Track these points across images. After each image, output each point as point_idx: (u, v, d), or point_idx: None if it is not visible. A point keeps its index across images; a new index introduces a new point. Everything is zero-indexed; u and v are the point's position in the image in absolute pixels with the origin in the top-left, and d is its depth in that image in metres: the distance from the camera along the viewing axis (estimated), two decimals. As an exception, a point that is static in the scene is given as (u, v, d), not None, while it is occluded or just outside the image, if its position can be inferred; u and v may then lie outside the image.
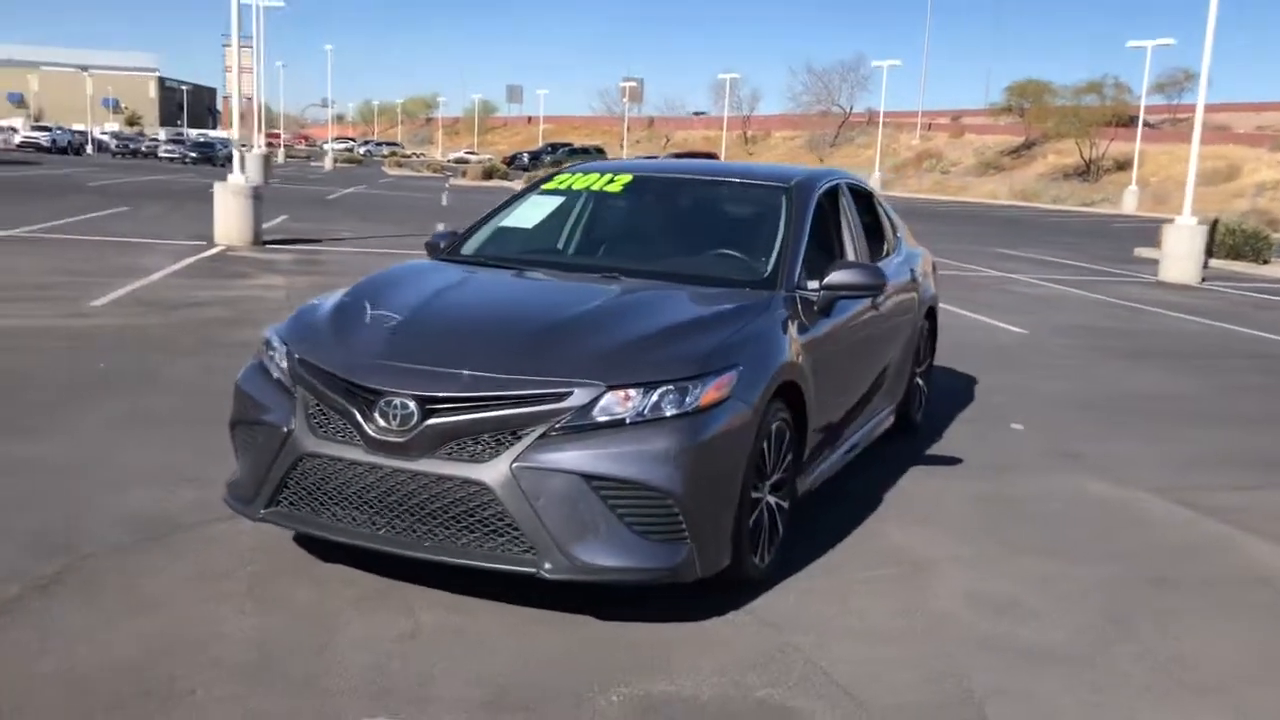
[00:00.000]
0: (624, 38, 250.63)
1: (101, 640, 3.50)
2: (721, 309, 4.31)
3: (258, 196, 16.12)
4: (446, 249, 5.33)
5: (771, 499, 4.28)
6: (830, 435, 5.02)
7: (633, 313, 4.20)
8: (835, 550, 4.70)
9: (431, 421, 3.62)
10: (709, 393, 3.76)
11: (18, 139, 61.30)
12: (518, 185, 43.61)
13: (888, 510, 5.27)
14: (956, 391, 8.15)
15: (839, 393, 5.05)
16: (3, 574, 3.96)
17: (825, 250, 5.33)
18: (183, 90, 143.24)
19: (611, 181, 5.56)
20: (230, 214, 15.87)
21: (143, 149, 63.43)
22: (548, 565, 3.56)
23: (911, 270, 6.48)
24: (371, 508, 3.71)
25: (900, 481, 5.74)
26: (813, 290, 4.77)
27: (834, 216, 5.65)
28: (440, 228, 5.99)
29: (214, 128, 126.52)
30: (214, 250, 15.18)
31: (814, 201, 5.27)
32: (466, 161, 68.60)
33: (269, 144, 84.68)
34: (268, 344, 4.23)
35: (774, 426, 4.16)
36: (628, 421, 3.63)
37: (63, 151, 60.62)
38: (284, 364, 4.05)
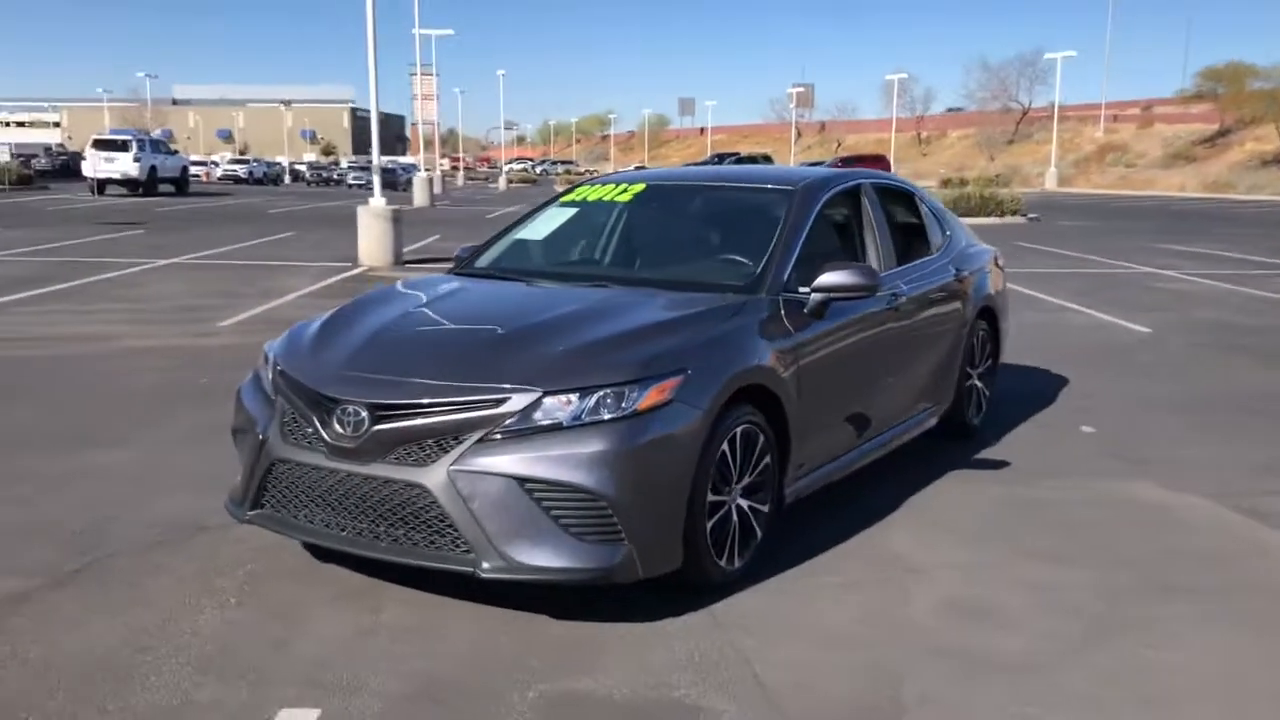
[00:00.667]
0: (795, 45, 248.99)
1: (87, 630, 3.82)
2: (683, 314, 4.36)
3: (397, 219, 16.85)
4: (464, 262, 5.55)
5: (744, 502, 4.29)
6: (832, 439, 4.97)
7: (591, 320, 4.30)
8: (829, 553, 4.67)
9: (379, 427, 3.81)
10: (648, 397, 3.82)
11: (219, 172, 65.61)
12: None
13: (904, 514, 5.19)
14: (1040, 394, 7.87)
15: (844, 396, 5.01)
16: (29, 568, 4.36)
17: (836, 253, 5.29)
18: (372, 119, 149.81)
19: (624, 191, 5.67)
20: (372, 236, 16.66)
21: (334, 177, 66.85)
22: (485, 565, 3.70)
23: (957, 270, 6.32)
24: (335, 510, 3.93)
25: (931, 485, 5.62)
26: (804, 293, 4.74)
27: (851, 219, 5.60)
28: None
29: (403, 154, 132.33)
30: (354, 271, 15.97)
31: (818, 205, 5.25)
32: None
33: (452, 167, 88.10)
34: (265, 357, 4.52)
35: (740, 430, 4.18)
36: (564, 425, 3.73)
37: (259, 182, 64.50)
38: (269, 375, 4.33)
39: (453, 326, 4.43)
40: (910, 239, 6.22)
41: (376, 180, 17.72)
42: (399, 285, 5.24)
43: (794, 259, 4.89)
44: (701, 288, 4.76)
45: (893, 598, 4.21)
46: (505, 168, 75.34)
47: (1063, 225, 28.57)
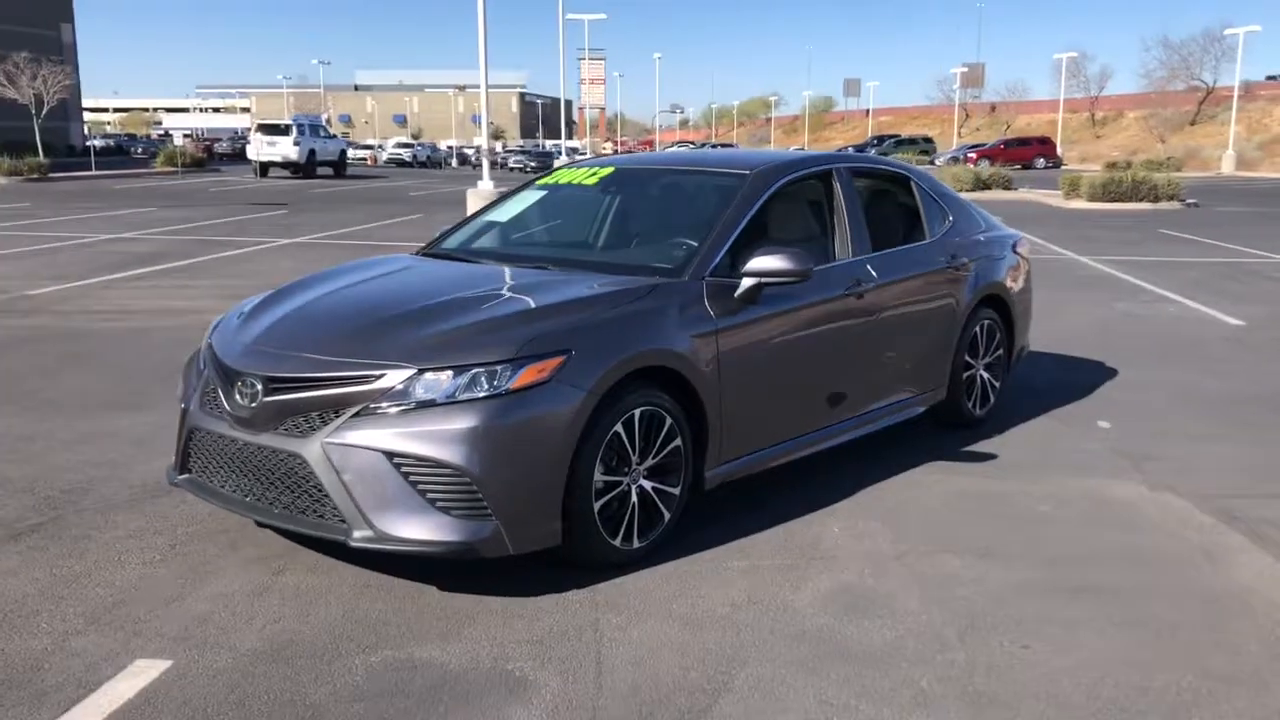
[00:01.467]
0: (965, 23, 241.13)
1: (12, 578, 4.15)
2: (585, 296, 4.41)
3: (503, 200, 17.21)
4: (433, 242, 5.72)
5: (647, 484, 4.33)
6: (772, 425, 4.94)
7: (495, 300, 4.40)
8: (753, 537, 4.65)
9: (268, 399, 4.01)
10: (523, 376, 3.90)
11: (385, 156, 68.03)
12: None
13: (852, 503, 5.12)
14: (1074, 386, 7.57)
15: (786, 382, 4.96)
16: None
17: (794, 238, 5.25)
18: (539, 104, 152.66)
19: (593, 175, 5.74)
20: (480, 217, 17.08)
21: (497, 161, 68.40)
22: (355, 534, 3.86)
23: (953, 258, 6.15)
24: (239, 477, 4.16)
25: (901, 475, 5.52)
26: (734, 278, 4.73)
27: (818, 204, 5.53)
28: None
29: (570, 138, 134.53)
30: (458, 251, 16.40)
31: (767, 191, 5.21)
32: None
33: (614, 150, 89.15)
34: (209, 331, 4.79)
35: (639, 412, 4.22)
36: (438, 402, 3.85)
37: (423, 165, 66.59)
38: (204, 348, 4.60)
39: (364, 305, 4.58)
40: (896, 224, 6.09)
41: (485, 164, 18.19)
42: (349, 263, 5.44)
43: (729, 244, 4.86)
44: (632, 270, 4.80)
45: (785, 584, 4.18)
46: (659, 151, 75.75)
47: (1220, 211, 26.98)
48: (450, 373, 3.89)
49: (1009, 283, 6.64)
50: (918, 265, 5.93)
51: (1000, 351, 6.62)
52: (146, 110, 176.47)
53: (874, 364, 5.54)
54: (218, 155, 57.31)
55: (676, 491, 4.47)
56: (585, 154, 43.51)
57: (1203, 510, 5.08)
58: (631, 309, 4.38)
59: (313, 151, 40.47)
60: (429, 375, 3.89)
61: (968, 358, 6.30)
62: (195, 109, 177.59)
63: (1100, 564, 4.43)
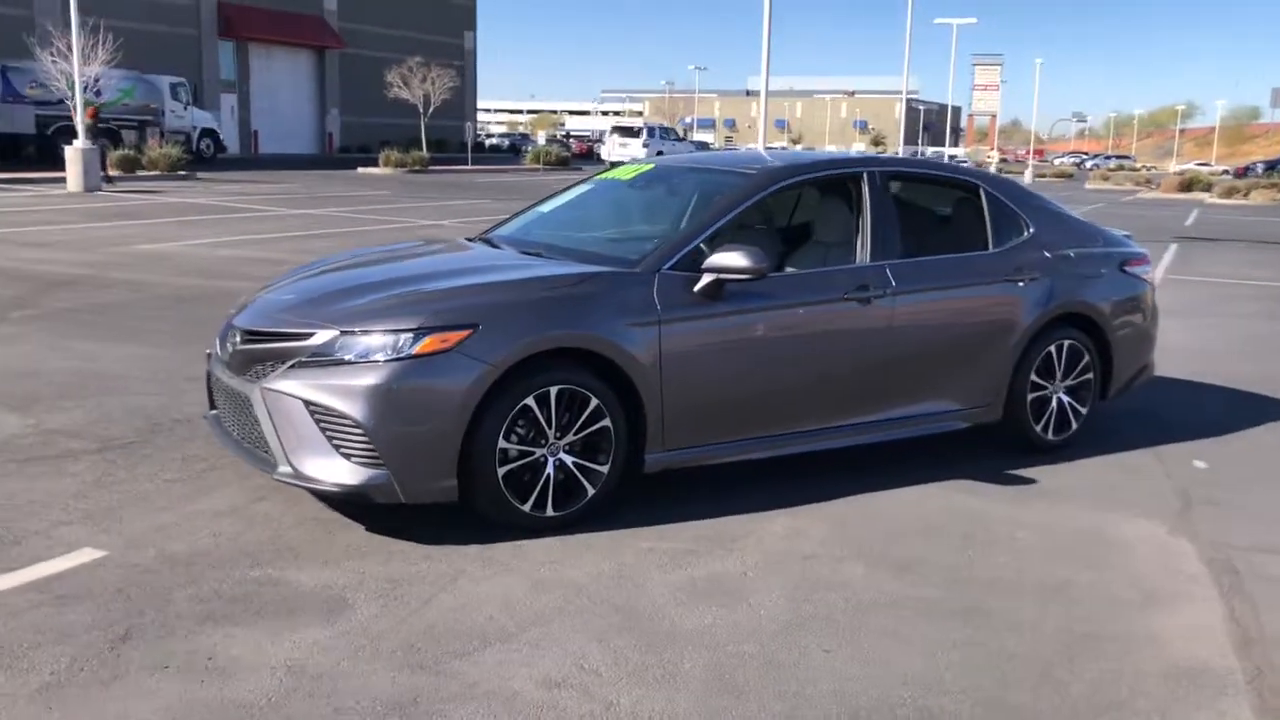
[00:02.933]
0: None
1: (67, 479, 5.12)
2: (519, 278, 4.79)
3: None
4: (486, 229, 6.25)
5: (568, 459, 4.63)
6: (734, 420, 5.05)
7: (438, 278, 4.88)
8: (685, 524, 4.80)
9: (241, 348, 4.71)
10: (425, 344, 4.34)
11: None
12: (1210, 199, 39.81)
13: (818, 506, 5.11)
14: (1215, 423, 6.92)
15: (748, 379, 5.05)
16: (107, 436, 5.79)
17: (799, 238, 5.36)
18: (922, 110, 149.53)
19: (632, 171, 6.04)
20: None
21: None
22: (279, 469, 4.47)
23: (1017, 270, 5.88)
24: (231, 414, 4.90)
25: (899, 489, 5.41)
26: (694, 274, 4.90)
27: (837, 207, 5.55)
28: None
29: (956, 145, 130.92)
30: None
31: (761, 191, 5.33)
32: (1181, 174, 63.55)
33: (1002, 159, 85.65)
34: (259, 292, 5.59)
35: (556, 390, 4.54)
36: (352, 360, 4.38)
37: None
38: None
39: (344, 279, 5.14)
40: (949, 232, 5.93)
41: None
42: (389, 245, 6.07)
43: (699, 240, 5.03)
44: (600, 260, 5.10)
45: (663, 567, 4.34)
46: (1031, 163, 72.23)
47: None
48: (365, 336, 4.40)
49: (1102, 303, 6.21)
50: (962, 275, 5.75)
51: (1088, 375, 6.21)
52: (554, 113, 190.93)
53: (885, 372, 5.45)
54: (595, 156, 60.69)
55: (603, 470, 4.72)
56: (965, 163, 42.31)
57: (1202, 559, 4.65)
58: (562, 294, 4.69)
59: (660, 153, 42.43)
60: (348, 337, 4.42)
61: (1036, 378, 5.99)
62: (596, 112, 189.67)
63: (1013, 593, 4.23)
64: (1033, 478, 5.69)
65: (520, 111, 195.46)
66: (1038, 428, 6.06)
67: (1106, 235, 6.53)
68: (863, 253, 5.49)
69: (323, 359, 4.41)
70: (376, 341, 4.38)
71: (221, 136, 40.16)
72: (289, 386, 4.42)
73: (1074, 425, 6.21)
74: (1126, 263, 6.43)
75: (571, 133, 76.22)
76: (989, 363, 5.80)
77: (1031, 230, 6.10)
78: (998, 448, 6.09)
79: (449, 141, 48.77)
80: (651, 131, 42.38)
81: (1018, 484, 5.58)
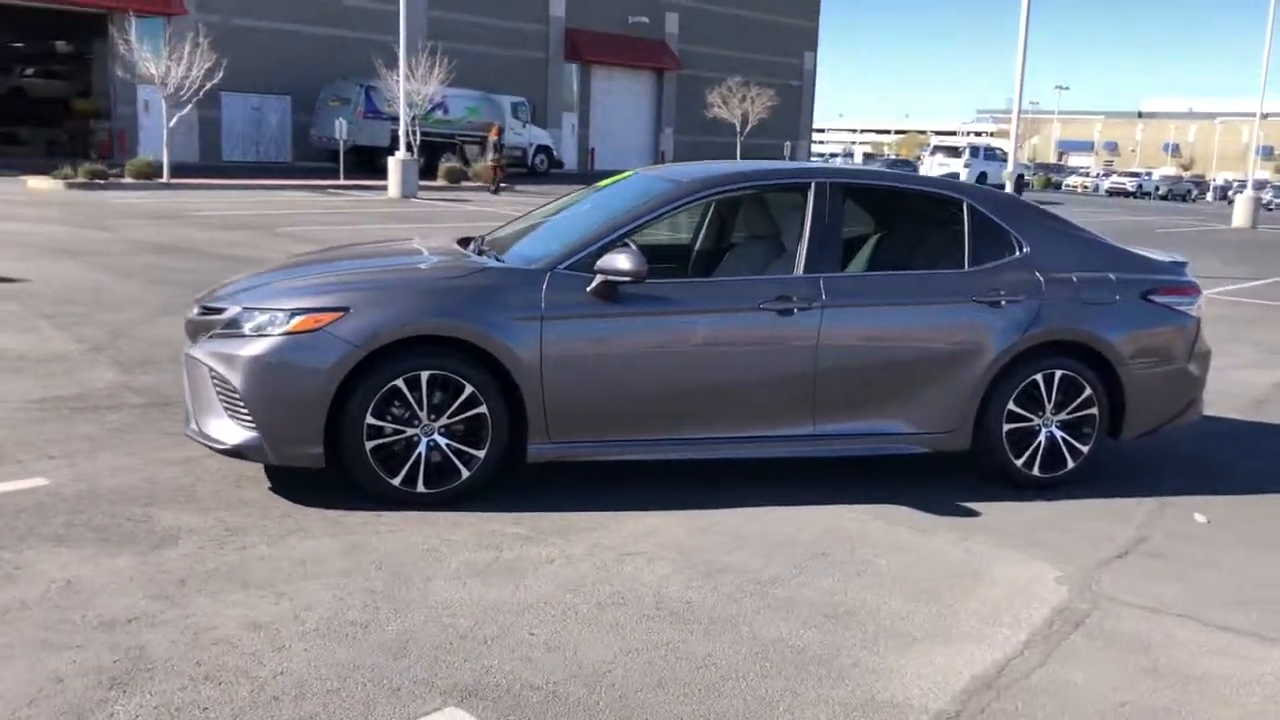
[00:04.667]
0: None
1: (92, 425, 6.08)
2: (407, 270, 5.22)
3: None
4: (487, 233, 6.65)
5: (442, 440, 4.99)
6: (619, 418, 5.18)
7: (348, 268, 5.35)
8: (559, 514, 5.00)
9: (191, 318, 5.40)
10: (298, 323, 4.85)
11: (1107, 184, 65.27)
12: None
13: (706, 513, 5.14)
14: (1256, 472, 6.14)
15: (642, 381, 5.16)
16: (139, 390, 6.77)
17: (701, 247, 5.40)
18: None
19: (616, 179, 6.25)
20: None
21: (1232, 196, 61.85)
22: (188, 427, 5.14)
23: (993, 292, 5.55)
24: None
25: (810, 505, 5.30)
26: (585, 273, 5.10)
27: (767, 217, 5.54)
28: None
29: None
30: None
31: (682, 200, 5.43)
32: None
33: None
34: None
35: (426, 374, 4.91)
36: (245, 334, 4.96)
37: (1144, 196, 62.65)
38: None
39: (303, 267, 5.70)
40: (915, 248, 5.70)
41: (1009, 187, 17.62)
42: (388, 240, 6.61)
43: (601, 243, 5.20)
44: (523, 259, 5.39)
45: (478, 546, 4.59)
46: None
47: None
48: (257, 313, 4.96)
49: (1108, 333, 5.70)
50: (914, 293, 5.52)
51: (1089, 411, 5.73)
52: (922, 133, 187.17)
53: (814, 386, 5.35)
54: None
55: (480, 454, 5.02)
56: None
57: (1055, 608, 4.30)
58: (447, 286, 5.04)
59: (983, 175, 40.81)
60: (246, 313, 5.00)
61: (1016, 408, 5.62)
62: (963, 132, 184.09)
63: (785, 609, 4.15)
64: (979, 511, 5.37)
65: (887, 131, 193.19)
66: (1018, 461, 5.67)
67: (1133, 261, 5.96)
68: (798, 264, 5.42)
69: (228, 332, 5.01)
70: (262, 319, 4.92)
71: (556, 153, 42.94)
72: (199, 353, 5.05)
73: (1070, 463, 5.75)
74: (1152, 291, 5.85)
75: (886, 152, 74.34)
76: (949, 386, 5.52)
77: (1025, 250, 5.72)
78: (980, 480, 5.76)
79: (764, 159, 49.46)
80: (975, 151, 40.87)
81: (953, 515, 5.30)
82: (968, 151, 40.69)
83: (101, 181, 24.66)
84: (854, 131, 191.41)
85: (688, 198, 5.47)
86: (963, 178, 40.20)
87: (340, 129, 30.27)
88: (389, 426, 4.91)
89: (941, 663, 3.77)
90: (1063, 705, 3.52)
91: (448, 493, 5.00)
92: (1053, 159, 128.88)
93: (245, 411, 4.86)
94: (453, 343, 4.94)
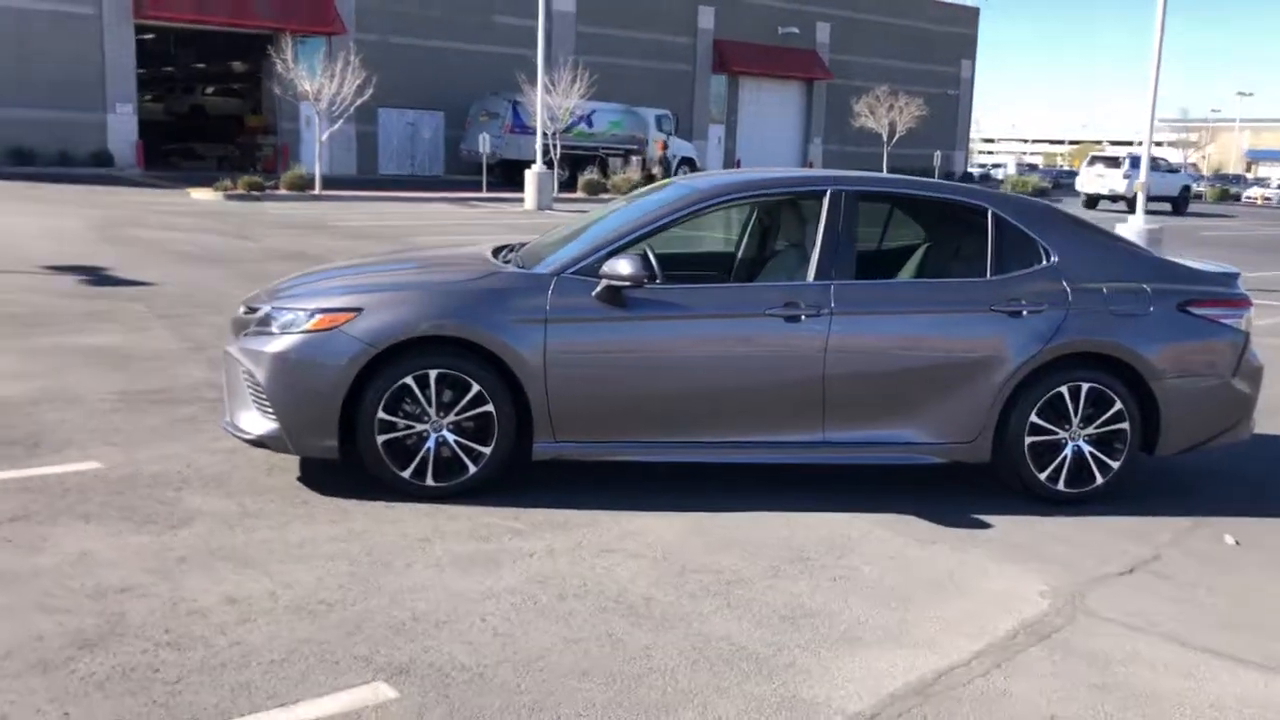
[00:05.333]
0: None
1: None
2: (421, 275, 5.44)
3: (1153, 239, 16.05)
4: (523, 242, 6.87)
5: (450, 437, 5.23)
6: (622, 420, 5.30)
7: (374, 273, 5.62)
8: (542, 510, 5.15)
9: (236, 317, 5.79)
10: (316, 322, 5.16)
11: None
12: None
13: (695, 516, 5.22)
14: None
15: (645, 383, 5.27)
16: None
17: (714, 253, 5.49)
18: None
19: (645, 191, 6.38)
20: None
21: None
22: (225, 419, 5.51)
23: (1010, 302, 5.46)
24: None
25: (812, 512, 5.32)
26: (592, 278, 5.27)
27: (779, 225, 5.59)
28: None
29: None
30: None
31: (692, 207, 5.53)
32: None
33: None
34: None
35: (435, 373, 5.16)
36: (273, 332, 5.30)
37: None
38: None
39: (341, 270, 6.01)
40: (935, 256, 5.66)
41: (1141, 198, 16.93)
42: (437, 249, 6.86)
43: (610, 249, 5.34)
44: (533, 263, 5.59)
45: (469, 537, 4.80)
46: None
47: None
48: (283, 313, 5.29)
49: (1140, 345, 5.53)
50: (928, 301, 5.48)
51: (1120, 425, 5.57)
52: (1097, 143, 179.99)
53: (823, 393, 5.37)
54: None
55: (486, 450, 5.23)
56: None
57: (1024, 622, 4.24)
58: (457, 290, 5.26)
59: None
60: (275, 313, 5.33)
61: (1040, 420, 5.52)
62: (1138, 142, 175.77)
63: (745, 610, 4.21)
64: (992, 524, 5.29)
65: (1061, 142, 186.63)
66: (1041, 475, 5.55)
67: (1172, 271, 5.76)
68: (810, 271, 5.45)
69: (259, 330, 5.36)
70: (288, 318, 5.25)
71: (700, 165, 43.16)
72: (235, 349, 5.42)
73: (1099, 479, 5.59)
74: (1191, 303, 5.64)
75: (1059, 163, 71.29)
76: (965, 396, 5.45)
77: (1053, 259, 5.60)
78: (1008, 495, 5.68)
79: (914, 170, 48.37)
80: (1134, 162, 39.02)
81: (962, 527, 5.23)
82: (1127, 162, 38.89)
83: (258, 193, 26.06)
84: (1025, 142, 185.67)
85: (697, 205, 5.56)
86: (1121, 189, 38.64)
87: (483, 143, 31.20)
88: (400, 422, 5.16)
89: (881, 667, 3.76)
90: (986, 714, 3.48)
91: (455, 486, 5.22)
92: (1240, 169, 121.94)
93: (268, 404, 5.19)
94: (460, 343, 5.15)
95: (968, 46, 56.83)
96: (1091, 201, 39.74)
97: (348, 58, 27.91)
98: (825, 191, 5.58)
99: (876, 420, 5.46)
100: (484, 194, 30.47)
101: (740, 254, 6.48)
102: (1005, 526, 5.24)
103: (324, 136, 28.03)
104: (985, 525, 5.26)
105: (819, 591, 4.39)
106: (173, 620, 3.85)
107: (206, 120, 43.49)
